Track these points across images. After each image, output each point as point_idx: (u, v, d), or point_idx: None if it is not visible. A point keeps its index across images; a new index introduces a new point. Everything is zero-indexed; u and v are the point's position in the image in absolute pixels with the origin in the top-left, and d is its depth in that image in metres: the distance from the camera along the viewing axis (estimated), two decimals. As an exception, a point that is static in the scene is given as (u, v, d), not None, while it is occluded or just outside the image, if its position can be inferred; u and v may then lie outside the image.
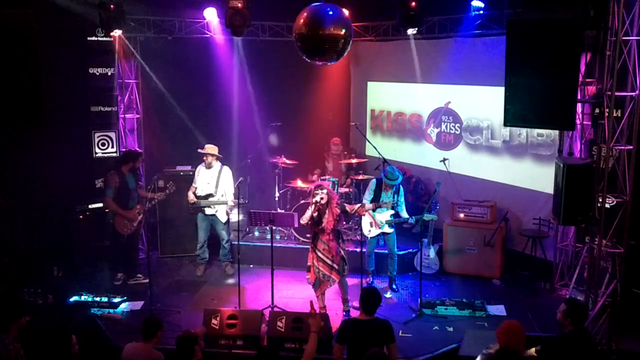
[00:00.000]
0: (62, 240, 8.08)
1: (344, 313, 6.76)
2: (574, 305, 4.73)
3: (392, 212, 7.45)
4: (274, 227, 7.03)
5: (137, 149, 8.73)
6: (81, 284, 7.55)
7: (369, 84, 10.43)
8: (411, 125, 9.73)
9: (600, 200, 5.95)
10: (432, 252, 8.01)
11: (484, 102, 8.46)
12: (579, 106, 6.62)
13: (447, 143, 9.14)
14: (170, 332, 6.26)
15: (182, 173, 8.60)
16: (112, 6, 7.63)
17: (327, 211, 6.44)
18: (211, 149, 7.93)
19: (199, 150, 7.98)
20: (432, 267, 8.04)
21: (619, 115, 6.04)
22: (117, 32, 8.01)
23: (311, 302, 5.11)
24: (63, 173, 8.14)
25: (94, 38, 8.44)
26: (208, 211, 7.96)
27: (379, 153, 8.06)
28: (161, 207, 8.50)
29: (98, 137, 8.62)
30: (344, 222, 7.89)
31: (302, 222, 6.59)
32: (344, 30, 6.04)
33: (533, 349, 4.75)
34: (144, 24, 8.49)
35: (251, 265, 8.34)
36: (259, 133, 9.67)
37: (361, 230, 7.46)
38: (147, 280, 7.41)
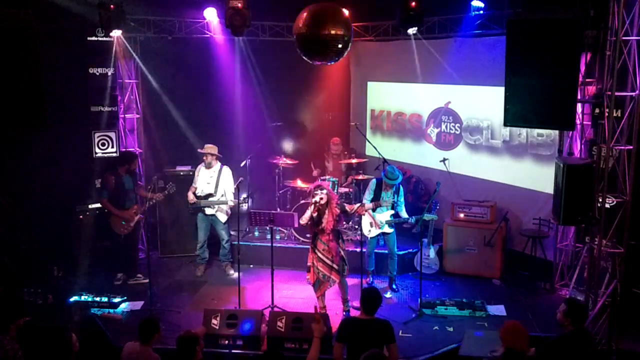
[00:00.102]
0: (62, 240, 8.08)
1: (344, 313, 6.76)
2: (574, 305, 4.73)
3: (392, 212, 7.45)
4: (274, 227, 7.03)
5: (138, 149, 8.76)
6: (81, 284, 7.54)
7: (369, 84, 10.43)
8: (411, 125, 9.72)
9: (600, 200, 5.95)
10: (432, 252, 8.01)
11: (484, 102, 8.46)
12: (579, 106, 6.63)
13: (447, 143, 9.14)
14: (170, 332, 6.26)
15: (182, 173, 8.60)
16: (112, 6, 7.63)
17: (326, 211, 6.43)
18: (211, 148, 7.93)
19: (199, 150, 7.99)
20: (432, 267, 8.04)
21: (619, 115, 6.04)
22: (117, 32, 8.01)
23: (315, 307, 5.12)
24: (63, 173, 8.14)
25: (94, 38, 8.42)
26: (208, 211, 7.96)
27: (379, 153, 8.06)
28: (161, 207, 8.50)
29: (98, 137, 8.61)
30: (344, 222, 7.88)
31: (301, 222, 6.59)
32: (344, 31, 6.04)
33: (532, 349, 4.75)
34: (144, 24, 8.49)
35: (251, 265, 8.34)
36: (259, 133, 9.66)
37: (361, 230, 7.46)
38: (147, 280, 7.41)
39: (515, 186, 8.20)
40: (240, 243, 7.33)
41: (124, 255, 7.97)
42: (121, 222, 7.75)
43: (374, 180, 7.62)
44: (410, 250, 8.20)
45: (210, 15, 8.53)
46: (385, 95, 10.19)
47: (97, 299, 7.12)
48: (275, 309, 6.64)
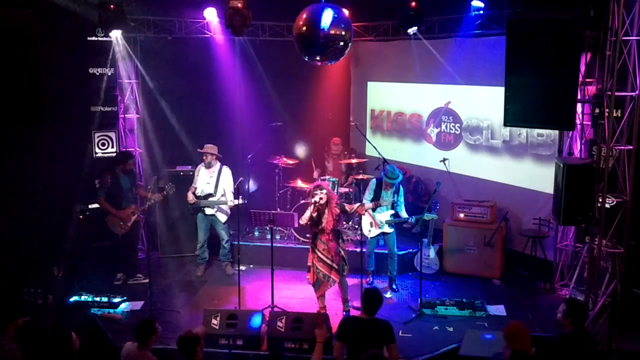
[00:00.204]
0: (62, 240, 8.07)
1: (344, 313, 6.76)
2: (574, 305, 4.73)
3: (392, 212, 7.45)
4: (274, 227, 7.03)
5: (137, 149, 8.75)
6: (81, 284, 7.53)
7: (369, 84, 10.43)
8: (411, 125, 9.73)
9: (600, 200, 5.95)
10: (432, 252, 8.01)
11: (484, 102, 8.46)
12: (579, 106, 6.63)
13: (447, 143, 9.14)
14: (170, 332, 6.28)
15: (182, 173, 8.60)
16: (112, 6, 7.63)
17: (326, 211, 6.43)
18: (211, 148, 7.93)
19: (199, 150, 7.98)
20: (432, 267, 8.04)
21: (619, 115, 6.04)
22: (117, 32, 8.01)
23: (318, 312, 5.12)
24: (63, 173, 8.14)
25: (94, 38, 8.43)
26: (208, 211, 7.96)
27: (379, 153, 8.06)
28: (161, 207, 8.50)
29: (98, 137, 8.62)
30: (344, 222, 7.88)
31: (301, 222, 6.59)
32: (344, 31, 6.05)
33: (533, 349, 4.75)
34: (144, 24, 8.49)
35: (251, 265, 8.34)
36: (259, 133, 9.65)
37: (361, 230, 7.46)
38: (147, 280, 7.41)
39: (515, 186, 8.20)
40: (240, 243, 7.32)
41: (122, 255, 7.97)
42: (119, 222, 7.75)
43: (374, 180, 7.62)
44: (410, 250, 8.20)
45: (210, 15, 8.53)
46: (385, 95, 10.19)
47: (97, 299, 7.13)
48: (275, 309, 6.64)
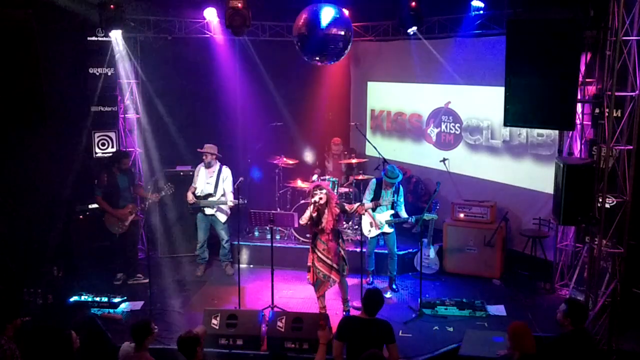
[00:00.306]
0: (62, 240, 8.07)
1: (344, 313, 6.76)
2: (574, 305, 4.73)
3: (392, 212, 7.45)
4: (274, 227, 7.03)
5: (137, 149, 8.75)
6: (81, 284, 7.54)
7: (369, 84, 10.43)
8: (411, 125, 9.73)
9: (600, 200, 5.95)
10: (432, 252, 8.01)
11: (484, 102, 8.46)
12: (579, 106, 6.62)
13: (447, 143, 9.14)
14: (170, 332, 6.29)
15: (182, 173, 8.60)
16: (112, 6, 7.63)
17: (326, 211, 6.43)
18: (210, 148, 7.93)
19: (199, 150, 7.98)
20: (432, 267, 8.04)
21: (619, 115, 6.03)
22: (116, 32, 8.00)
23: (321, 314, 5.11)
24: (63, 173, 8.14)
25: (94, 38, 8.42)
26: (208, 211, 7.96)
27: (379, 153, 8.06)
28: (161, 207, 8.49)
29: (98, 137, 8.61)
30: (344, 222, 7.88)
31: (301, 222, 6.59)
32: (343, 31, 6.06)
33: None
34: (144, 24, 8.49)
35: (251, 265, 8.34)
36: (258, 133, 9.66)
37: (361, 230, 7.46)
38: (147, 280, 7.41)
39: (515, 186, 8.20)
40: (240, 243, 7.32)
41: (122, 255, 7.96)
42: (116, 221, 7.75)
43: (373, 180, 7.62)
44: (410, 250, 8.20)
45: (210, 15, 8.53)
46: (385, 95, 10.20)
47: (97, 299, 7.12)
48: (275, 309, 6.64)
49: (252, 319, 6.25)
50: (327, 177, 8.62)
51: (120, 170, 7.80)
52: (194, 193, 7.90)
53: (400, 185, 7.51)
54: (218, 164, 7.98)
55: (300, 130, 10.12)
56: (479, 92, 8.48)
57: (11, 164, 7.73)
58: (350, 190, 8.85)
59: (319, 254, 6.51)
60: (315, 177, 8.78)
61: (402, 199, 7.50)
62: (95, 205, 8.12)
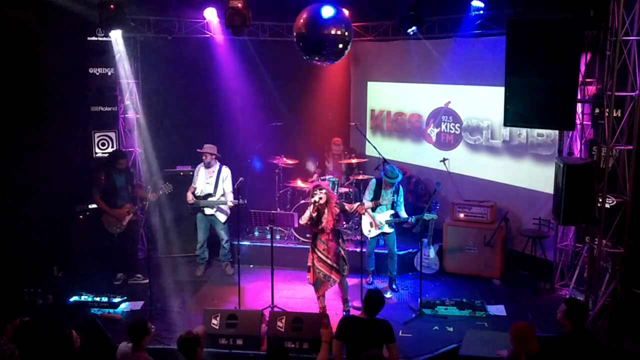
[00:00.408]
0: (62, 240, 8.07)
1: (344, 313, 6.76)
2: (574, 305, 4.73)
3: (392, 212, 7.45)
4: (274, 227, 7.03)
5: (137, 149, 8.75)
6: (81, 284, 7.54)
7: (369, 84, 10.43)
8: (411, 125, 9.73)
9: (600, 200, 5.95)
10: (432, 252, 8.01)
11: (484, 102, 8.46)
12: (579, 106, 6.62)
13: (447, 143, 9.14)
14: (170, 332, 6.29)
15: (182, 173, 8.60)
16: (112, 6, 7.62)
17: (326, 211, 6.43)
18: (210, 148, 7.93)
19: (198, 150, 7.98)
20: (432, 267, 8.04)
21: (619, 115, 6.04)
22: (116, 32, 8.01)
23: (322, 313, 5.11)
24: (63, 173, 8.14)
25: (94, 38, 8.43)
26: (207, 211, 7.96)
27: (379, 153, 8.06)
28: (161, 207, 8.49)
29: (98, 137, 8.61)
30: (344, 222, 7.88)
31: (301, 222, 6.59)
32: (343, 31, 6.06)
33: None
34: (144, 24, 8.49)
35: (251, 265, 8.34)
36: (258, 133, 9.66)
37: (361, 230, 7.46)
38: (147, 280, 7.41)
39: (515, 186, 8.20)
40: (240, 243, 7.32)
41: (121, 254, 7.96)
42: (114, 221, 7.75)
43: (373, 180, 7.62)
44: (410, 250, 8.20)
45: (210, 15, 8.53)
46: (385, 95, 10.19)
47: (97, 299, 7.13)
48: (275, 309, 6.63)
49: (252, 319, 6.24)
50: (327, 177, 8.62)
51: (117, 170, 7.80)
52: (193, 193, 7.90)
53: (400, 185, 7.51)
54: (218, 164, 7.98)
55: (300, 130, 10.12)
56: (479, 92, 8.48)
57: (11, 164, 7.73)
58: (350, 190, 8.85)
59: (319, 254, 6.51)
60: (314, 176, 8.80)
61: (402, 199, 7.50)
62: (95, 205, 8.13)
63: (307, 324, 6.03)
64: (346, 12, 7.44)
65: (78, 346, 4.69)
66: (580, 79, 6.29)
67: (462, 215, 8.13)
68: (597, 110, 6.73)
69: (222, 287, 7.80)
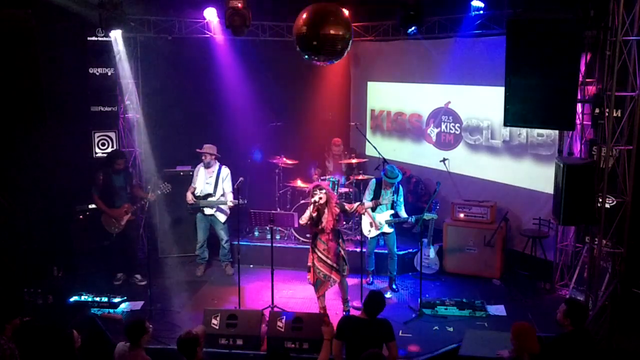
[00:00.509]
0: (62, 240, 8.07)
1: (344, 313, 6.76)
2: (574, 305, 4.73)
3: (392, 212, 7.45)
4: (274, 227, 7.03)
5: (137, 149, 8.75)
6: (81, 284, 7.54)
7: (369, 84, 10.43)
8: (411, 125, 9.72)
9: (600, 200, 5.95)
10: (432, 252, 8.01)
11: (484, 102, 8.45)
12: (579, 106, 6.62)
13: (447, 143, 9.13)
14: (170, 332, 6.29)
15: (181, 173, 8.59)
16: (112, 6, 7.62)
17: (326, 211, 6.43)
18: (210, 148, 7.93)
19: (197, 150, 7.98)
20: (432, 267, 8.04)
21: (619, 115, 6.04)
22: (116, 32, 8.00)
23: (323, 311, 5.10)
24: (63, 173, 8.13)
25: (94, 38, 8.42)
26: (207, 211, 7.96)
27: (379, 153, 8.06)
28: (161, 207, 8.49)
29: (98, 137, 8.61)
30: (344, 222, 7.88)
31: (301, 222, 6.59)
32: (343, 31, 6.04)
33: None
34: (144, 24, 8.49)
35: (251, 265, 8.34)
36: (258, 133, 9.66)
37: (361, 230, 7.46)
38: (146, 281, 7.40)
39: (515, 186, 8.20)
40: (240, 243, 7.32)
41: (121, 254, 7.95)
42: (112, 221, 7.75)
43: (373, 180, 7.62)
44: (410, 250, 8.20)
45: (210, 15, 8.53)
46: (385, 95, 10.19)
47: (97, 299, 7.13)
48: (275, 309, 6.63)
49: (252, 319, 6.24)
50: (327, 177, 8.62)
51: (116, 171, 7.80)
52: (193, 193, 7.90)
53: (400, 185, 7.52)
54: (217, 164, 7.98)
55: (300, 130, 10.12)
56: (479, 92, 8.47)
57: (11, 164, 7.73)
58: (350, 190, 8.84)
59: (319, 254, 6.51)
60: (315, 176, 8.80)
61: (401, 199, 7.50)
62: (94, 205, 8.13)
63: (307, 324, 6.03)
64: (346, 12, 7.44)
65: (78, 346, 4.69)
66: (580, 79, 6.29)
67: (462, 215, 8.13)
68: (597, 110, 6.73)
69: (222, 287, 7.80)
